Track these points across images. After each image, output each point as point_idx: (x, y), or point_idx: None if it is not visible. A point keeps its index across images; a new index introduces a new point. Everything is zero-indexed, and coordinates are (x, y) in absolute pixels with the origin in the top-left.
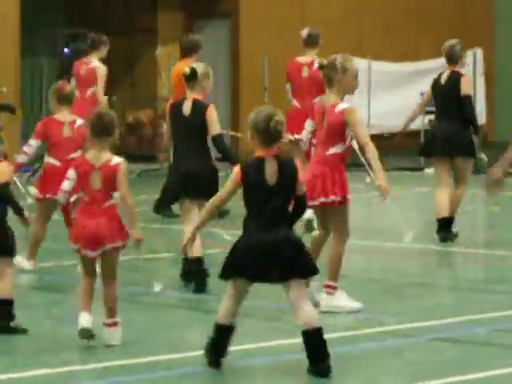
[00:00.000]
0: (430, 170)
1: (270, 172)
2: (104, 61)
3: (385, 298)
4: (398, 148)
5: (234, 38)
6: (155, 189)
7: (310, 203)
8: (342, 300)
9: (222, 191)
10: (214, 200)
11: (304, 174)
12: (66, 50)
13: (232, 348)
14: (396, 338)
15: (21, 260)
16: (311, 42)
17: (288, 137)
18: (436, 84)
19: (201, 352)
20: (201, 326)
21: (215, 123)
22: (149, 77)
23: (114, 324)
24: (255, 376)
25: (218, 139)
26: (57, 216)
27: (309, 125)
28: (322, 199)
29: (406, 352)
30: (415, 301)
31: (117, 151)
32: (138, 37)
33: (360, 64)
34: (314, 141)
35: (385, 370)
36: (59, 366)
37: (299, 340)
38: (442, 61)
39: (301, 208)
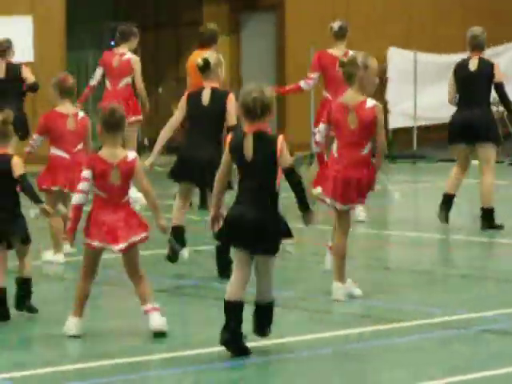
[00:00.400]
0: (475, 162)
1: (247, 147)
2: (150, 54)
3: (431, 290)
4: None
5: (280, 32)
6: None
7: (347, 206)
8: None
9: (221, 163)
10: (217, 175)
11: (332, 177)
12: (112, 43)
13: (278, 341)
14: (443, 330)
15: (51, 255)
16: (341, 34)
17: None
18: (462, 71)
19: (248, 344)
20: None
21: (233, 113)
22: None
23: (155, 309)
24: (298, 369)
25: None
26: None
27: (323, 128)
28: (360, 202)
29: (453, 344)
30: (462, 292)
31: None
32: (184, 30)
33: (407, 56)
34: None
35: (429, 362)
36: (102, 359)
37: (342, 332)
38: (488, 52)
39: (292, 182)
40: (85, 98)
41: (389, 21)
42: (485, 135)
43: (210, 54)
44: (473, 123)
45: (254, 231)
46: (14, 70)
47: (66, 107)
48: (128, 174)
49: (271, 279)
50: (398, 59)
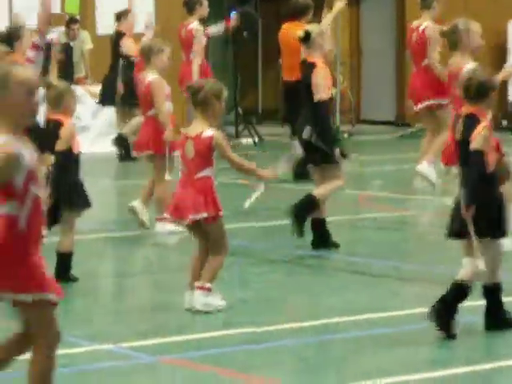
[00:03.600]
0: None
1: (458, 129)
2: (271, 25)
3: None
4: None
5: (400, 3)
6: None
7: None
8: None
9: None
10: None
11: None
12: (232, 13)
13: (403, 312)
14: None
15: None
16: (424, 5)
17: None
18: None
19: (368, 315)
20: (368, 289)
21: (319, 87)
22: None
23: (202, 288)
24: (421, 340)
25: (317, 106)
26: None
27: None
28: None
29: None
30: None
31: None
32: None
33: None
34: None
35: None
36: (225, 329)
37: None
38: None
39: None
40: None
41: None
42: None
43: (312, 26)
44: None
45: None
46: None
47: None
48: (201, 149)
49: None
50: None
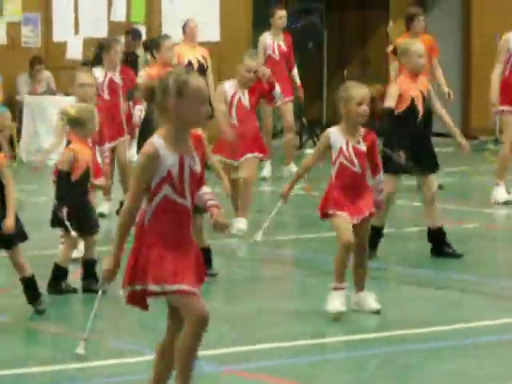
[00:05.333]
0: None
1: None
2: (335, 35)
3: None
4: None
5: (467, 14)
6: None
7: None
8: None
9: None
10: None
11: None
12: (293, 25)
13: (466, 325)
14: None
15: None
16: None
17: None
18: None
19: (431, 328)
20: (430, 301)
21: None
22: (381, 52)
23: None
24: (482, 354)
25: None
26: None
27: None
28: None
29: None
30: None
31: None
32: (371, 12)
33: None
34: None
35: None
36: (280, 341)
37: None
38: None
39: None
40: None
41: None
42: None
43: (403, 41)
44: None
45: None
46: None
47: None
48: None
49: None
50: None
